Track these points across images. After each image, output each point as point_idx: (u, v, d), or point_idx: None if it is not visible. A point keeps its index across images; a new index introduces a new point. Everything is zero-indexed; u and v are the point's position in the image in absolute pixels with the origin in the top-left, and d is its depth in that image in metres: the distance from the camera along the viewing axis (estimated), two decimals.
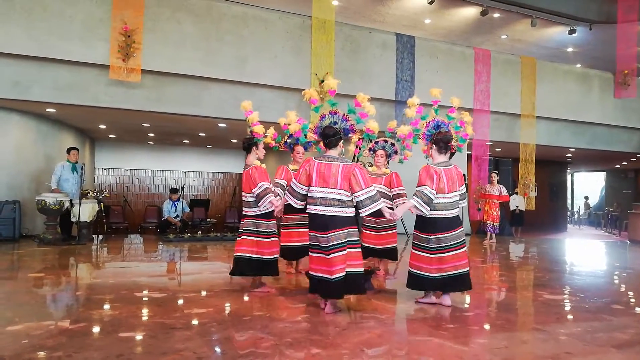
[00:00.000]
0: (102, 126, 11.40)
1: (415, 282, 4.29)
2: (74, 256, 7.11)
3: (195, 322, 3.67)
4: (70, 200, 8.19)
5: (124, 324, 3.54)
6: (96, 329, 3.45)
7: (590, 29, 11.87)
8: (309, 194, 4.03)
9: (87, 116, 9.80)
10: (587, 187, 25.26)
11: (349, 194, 3.96)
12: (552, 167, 18.43)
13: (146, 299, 4.47)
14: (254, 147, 4.78)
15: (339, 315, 3.88)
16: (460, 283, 4.21)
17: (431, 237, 4.16)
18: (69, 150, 8.76)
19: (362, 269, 4.00)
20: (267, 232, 4.65)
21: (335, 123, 4.21)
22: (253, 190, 4.55)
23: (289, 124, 5.45)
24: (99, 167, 14.84)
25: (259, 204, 4.53)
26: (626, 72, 12.54)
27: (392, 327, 3.77)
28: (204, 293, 4.71)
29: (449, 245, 4.15)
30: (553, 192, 18.97)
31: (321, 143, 4.22)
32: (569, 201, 22.36)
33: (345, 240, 3.90)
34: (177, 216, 10.63)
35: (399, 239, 5.90)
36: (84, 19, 7.82)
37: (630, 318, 4.19)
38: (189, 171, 16.09)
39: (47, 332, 3.31)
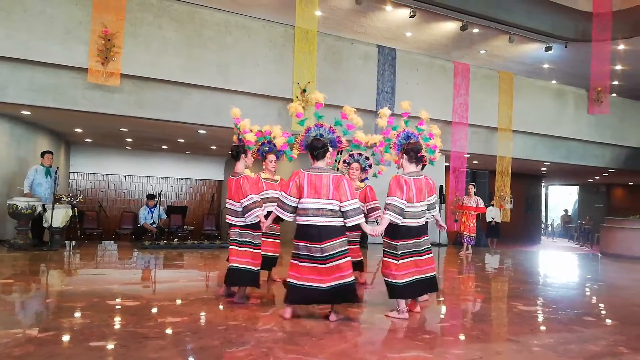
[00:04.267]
0: (78, 130, 11.20)
1: (388, 289, 4.29)
2: (45, 262, 6.94)
3: (169, 331, 3.61)
4: (43, 205, 8.00)
5: (95, 332, 3.45)
6: (66, 338, 3.36)
7: (566, 47, 12.20)
8: (300, 206, 4.05)
9: (63, 119, 9.62)
10: (561, 200, 25.84)
11: (340, 204, 4.03)
12: (528, 180, 18.78)
13: (119, 307, 4.38)
14: (242, 155, 4.75)
15: (315, 325, 3.86)
16: (426, 286, 4.33)
17: (398, 243, 4.21)
18: (43, 154, 8.58)
19: (353, 278, 4.07)
20: (253, 242, 4.64)
21: (322, 135, 4.26)
22: (242, 201, 4.51)
23: (274, 137, 5.40)
24: (73, 172, 14.55)
25: (245, 216, 4.51)
26: (599, 89, 12.90)
27: (369, 337, 3.77)
28: (179, 302, 4.63)
29: (413, 251, 4.24)
30: (528, 205, 19.33)
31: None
32: (543, 214, 22.80)
33: (340, 250, 3.98)
34: (154, 223, 10.48)
35: (374, 249, 5.91)
36: (64, 20, 7.70)
37: (601, 330, 4.27)
38: (167, 177, 15.90)
39: (14, 340, 3.21)
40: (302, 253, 4.01)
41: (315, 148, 4.14)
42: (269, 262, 5.45)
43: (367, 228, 4.20)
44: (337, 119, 4.91)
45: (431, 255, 4.38)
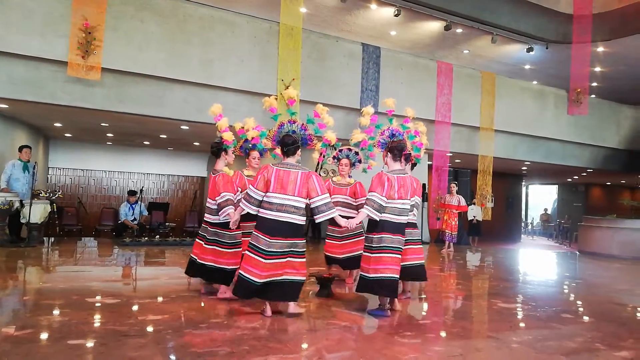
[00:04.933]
0: (57, 124, 10.98)
1: (360, 283, 4.32)
2: (22, 259, 6.80)
3: (149, 329, 3.57)
4: (21, 201, 7.84)
5: (74, 330, 3.40)
6: (44, 336, 3.30)
7: (547, 48, 12.38)
8: (265, 199, 4.04)
9: (42, 113, 9.43)
10: (541, 199, 26.27)
11: (305, 201, 4.04)
12: (509, 179, 19.04)
13: (98, 304, 4.31)
14: (223, 153, 4.75)
15: (298, 322, 3.86)
16: (392, 288, 4.22)
17: (375, 236, 4.23)
18: (21, 148, 8.40)
19: (303, 278, 4.05)
20: (229, 242, 4.61)
21: (294, 132, 4.27)
22: (216, 199, 4.52)
23: (247, 130, 5.39)
24: (52, 167, 14.27)
25: (219, 214, 4.51)
26: (579, 90, 13.13)
27: (351, 334, 3.78)
28: (160, 299, 4.59)
29: (390, 247, 4.21)
30: (509, 204, 19.60)
31: (278, 150, 4.27)
32: (523, 212, 23.15)
33: (287, 250, 3.96)
34: (135, 219, 10.36)
35: None
36: (44, 13, 7.54)
37: (579, 326, 4.36)
38: (149, 173, 15.69)
39: None
40: (254, 244, 3.99)
41: (286, 144, 4.15)
42: None
43: (342, 221, 4.23)
44: (309, 116, 4.91)
45: (399, 257, 4.29)
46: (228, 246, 4.61)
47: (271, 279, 3.91)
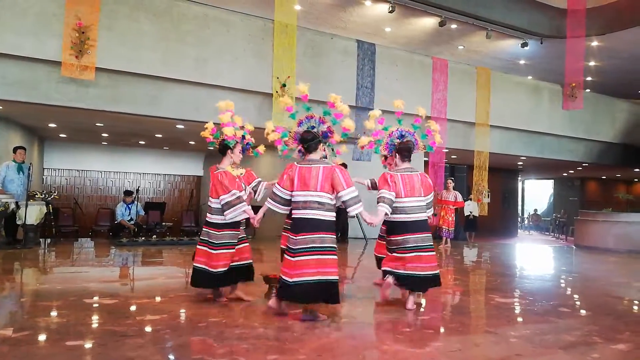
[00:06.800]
0: (52, 125, 10.94)
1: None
2: (19, 261, 6.77)
3: (148, 329, 3.56)
4: (16, 202, 7.80)
5: (72, 331, 3.39)
6: (42, 337, 3.29)
7: (542, 43, 12.41)
8: (293, 199, 3.99)
9: (36, 114, 9.38)
10: (537, 194, 26.37)
11: (331, 196, 3.92)
12: (504, 174, 19.09)
13: (96, 305, 4.30)
14: (228, 151, 4.55)
15: (296, 321, 3.86)
16: (424, 283, 4.39)
17: (392, 238, 4.44)
18: (15, 150, 8.35)
19: (336, 277, 3.86)
20: (215, 243, 4.34)
21: (313, 127, 4.20)
22: (221, 197, 4.28)
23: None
24: (48, 168, 14.23)
25: (226, 212, 4.26)
26: (574, 84, 13.16)
27: (349, 331, 3.78)
28: (158, 299, 4.58)
29: (411, 247, 4.34)
30: (505, 199, 19.66)
31: (301, 148, 4.21)
32: (519, 207, 23.23)
33: (315, 245, 3.81)
34: (131, 219, 10.33)
35: (359, 242, 5.91)
36: (37, 13, 7.49)
37: (576, 320, 4.38)
38: (145, 173, 15.67)
39: None
40: (289, 246, 3.94)
41: (306, 140, 4.09)
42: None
43: (367, 216, 4.12)
44: (325, 109, 4.84)
45: (433, 253, 4.45)
46: (213, 247, 4.35)
47: (303, 279, 3.74)
